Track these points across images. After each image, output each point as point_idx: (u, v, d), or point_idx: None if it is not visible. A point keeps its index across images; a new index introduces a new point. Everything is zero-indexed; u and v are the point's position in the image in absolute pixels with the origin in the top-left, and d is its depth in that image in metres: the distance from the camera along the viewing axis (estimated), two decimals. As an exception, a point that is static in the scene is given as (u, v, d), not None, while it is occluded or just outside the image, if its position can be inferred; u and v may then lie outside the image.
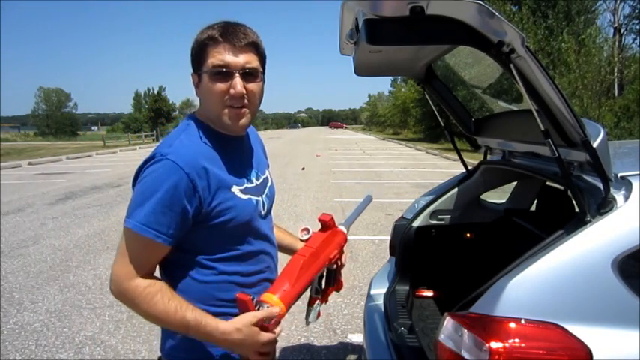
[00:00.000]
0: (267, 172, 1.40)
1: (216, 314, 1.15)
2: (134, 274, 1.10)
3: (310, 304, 1.34)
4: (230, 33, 1.13)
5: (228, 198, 1.16)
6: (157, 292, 1.10)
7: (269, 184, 1.38)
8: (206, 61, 1.14)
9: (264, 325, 1.13)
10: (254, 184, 1.27)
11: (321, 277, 1.35)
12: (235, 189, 1.19)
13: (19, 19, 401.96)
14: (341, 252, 1.40)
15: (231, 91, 1.13)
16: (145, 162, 1.13)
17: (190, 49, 1.18)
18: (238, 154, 1.26)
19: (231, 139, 1.24)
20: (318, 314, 1.34)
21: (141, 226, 1.08)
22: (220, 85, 1.14)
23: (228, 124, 1.18)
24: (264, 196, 1.31)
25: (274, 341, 1.17)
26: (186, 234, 1.16)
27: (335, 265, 1.39)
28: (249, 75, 1.15)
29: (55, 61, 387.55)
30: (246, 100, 1.17)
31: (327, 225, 1.36)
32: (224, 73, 1.13)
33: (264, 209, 1.30)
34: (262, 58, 1.21)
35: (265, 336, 1.13)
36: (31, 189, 10.89)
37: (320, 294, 1.36)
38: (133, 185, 1.16)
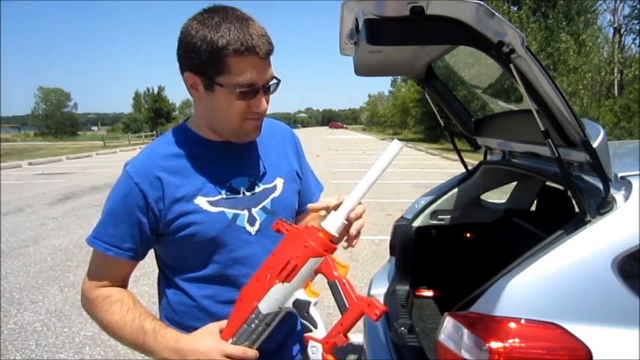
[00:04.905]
0: (277, 181, 1.17)
1: None
2: (96, 286, 1.08)
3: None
4: (250, 40, 0.95)
5: (190, 210, 1.04)
6: (117, 302, 1.06)
7: (275, 194, 1.15)
8: (226, 73, 0.97)
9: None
10: (240, 196, 1.10)
11: (305, 304, 0.98)
12: (201, 200, 1.05)
13: (19, 19, 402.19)
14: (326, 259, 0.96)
15: (255, 109, 1.03)
16: None
17: (188, 44, 0.97)
18: (229, 162, 1.11)
19: (225, 146, 1.10)
20: None
21: (92, 239, 1.06)
22: (244, 103, 1.01)
23: (245, 136, 1.08)
24: (257, 209, 1.11)
25: None
26: (160, 250, 1.13)
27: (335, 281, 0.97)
28: (269, 88, 1.05)
29: (54, 61, 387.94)
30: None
31: (278, 231, 0.99)
32: (250, 91, 1.00)
33: (254, 225, 1.10)
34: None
35: None
36: (31, 189, 10.88)
37: (312, 329, 0.96)
38: None
